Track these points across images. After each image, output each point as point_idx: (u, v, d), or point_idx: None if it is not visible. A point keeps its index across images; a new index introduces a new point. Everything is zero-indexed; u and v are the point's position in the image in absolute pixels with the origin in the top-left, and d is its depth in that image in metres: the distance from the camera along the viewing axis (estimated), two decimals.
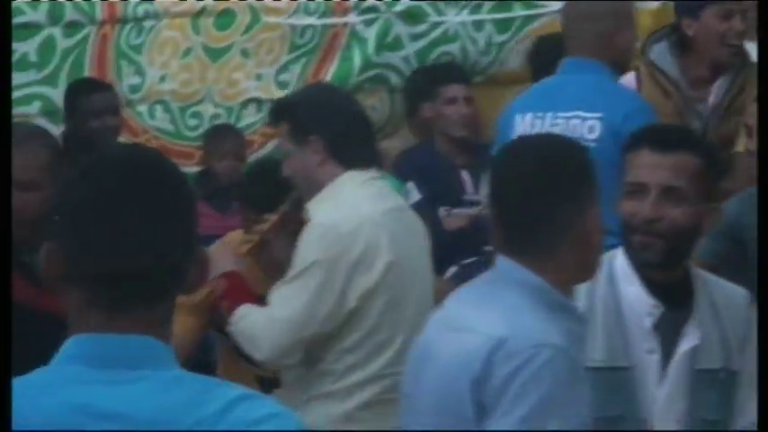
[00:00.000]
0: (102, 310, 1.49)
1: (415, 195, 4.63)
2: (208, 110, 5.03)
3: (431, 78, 5.01)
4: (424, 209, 4.14)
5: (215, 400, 1.46)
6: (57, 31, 4.78)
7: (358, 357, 2.99)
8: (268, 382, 3.31)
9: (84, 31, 4.82)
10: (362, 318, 2.91)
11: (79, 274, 1.50)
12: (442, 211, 4.69)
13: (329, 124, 2.96)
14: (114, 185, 1.50)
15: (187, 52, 4.95)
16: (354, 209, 2.92)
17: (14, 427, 1.44)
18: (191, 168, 4.65)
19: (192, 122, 5.03)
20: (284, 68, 5.03)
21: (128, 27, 4.89)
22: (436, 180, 4.78)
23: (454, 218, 4.52)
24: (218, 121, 5.01)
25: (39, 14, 4.69)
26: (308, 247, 2.93)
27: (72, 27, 4.79)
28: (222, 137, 4.86)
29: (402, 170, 4.78)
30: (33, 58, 4.70)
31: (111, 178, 1.51)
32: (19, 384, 1.50)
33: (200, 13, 4.90)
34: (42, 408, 1.45)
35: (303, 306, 2.92)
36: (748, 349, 2.48)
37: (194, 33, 4.96)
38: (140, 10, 4.88)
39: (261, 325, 2.97)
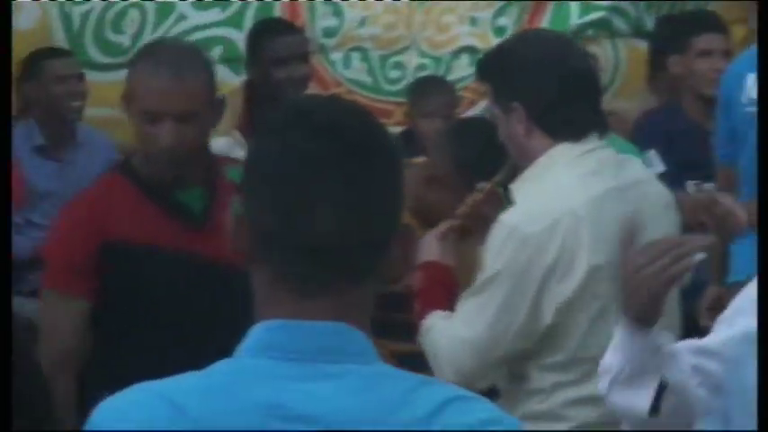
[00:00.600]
0: (294, 291, 1.35)
1: (658, 167, 4.17)
2: (412, 60, 4.69)
3: (681, 27, 4.60)
4: (669, 183, 3.50)
5: (424, 401, 1.33)
6: None
7: (568, 376, 2.62)
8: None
9: None
10: (565, 333, 2.53)
11: (270, 249, 1.35)
12: (690, 185, 4.20)
13: (534, 89, 2.57)
14: (314, 147, 1.34)
15: None
16: (551, 200, 2.52)
17: (179, 425, 1.30)
18: (390, 128, 3.75)
19: (394, 74, 4.70)
20: (501, 11, 4.63)
21: None
22: (684, 148, 4.35)
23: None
24: (424, 73, 4.65)
25: None
26: (494, 252, 2.56)
27: None
28: (429, 92, 4.47)
29: (642, 136, 4.34)
30: None
31: (309, 138, 1.35)
32: (200, 380, 1.35)
33: None
34: (229, 410, 1.31)
35: (488, 325, 2.55)
36: None
37: None
38: None
39: (443, 345, 2.59)
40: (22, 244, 3.97)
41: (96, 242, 2.56)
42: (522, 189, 2.58)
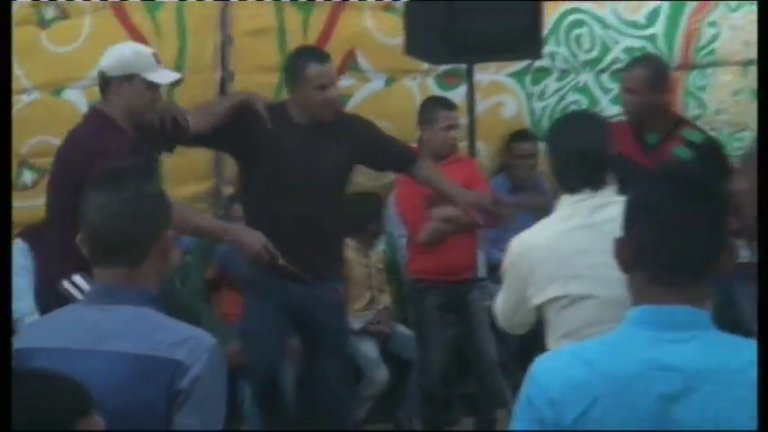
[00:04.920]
0: (661, 288, 1.92)
1: None
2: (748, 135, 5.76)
3: None
4: None
5: (748, 354, 1.88)
6: None
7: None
8: None
9: None
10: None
11: (648, 260, 1.95)
12: None
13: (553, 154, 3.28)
14: (681, 196, 1.94)
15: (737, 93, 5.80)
16: (531, 232, 3.09)
17: (589, 376, 1.87)
18: None
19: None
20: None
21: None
22: None
23: None
24: None
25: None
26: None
27: None
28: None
29: None
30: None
31: (678, 191, 1.96)
32: (601, 344, 1.95)
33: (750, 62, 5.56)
34: (619, 361, 1.89)
35: (499, 304, 3.19)
36: None
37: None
38: None
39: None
40: None
41: None
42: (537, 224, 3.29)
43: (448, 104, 4.91)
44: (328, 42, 5.34)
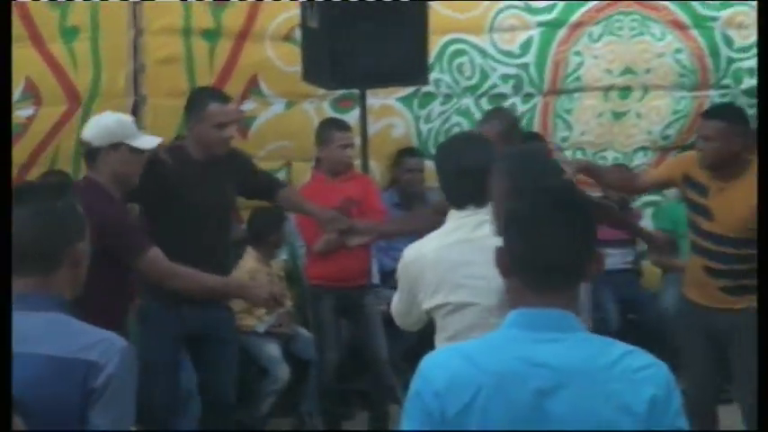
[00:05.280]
0: (535, 293, 2.04)
1: None
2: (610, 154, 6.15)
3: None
4: None
5: (611, 353, 2.02)
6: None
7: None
8: None
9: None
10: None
11: (522, 267, 2.06)
12: None
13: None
14: (548, 207, 2.08)
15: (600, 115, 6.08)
16: (420, 244, 3.20)
17: (472, 372, 2.00)
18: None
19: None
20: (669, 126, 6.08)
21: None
22: None
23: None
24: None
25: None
26: None
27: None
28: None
29: None
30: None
31: (545, 202, 2.09)
32: (475, 346, 2.07)
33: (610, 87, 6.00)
34: (498, 358, 2.01)
35: (393, 305, 3.33)
36: None
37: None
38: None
39: None
40: None
41: None
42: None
43: (343, 126, 5.05)
44: (233, 70, 5.45)
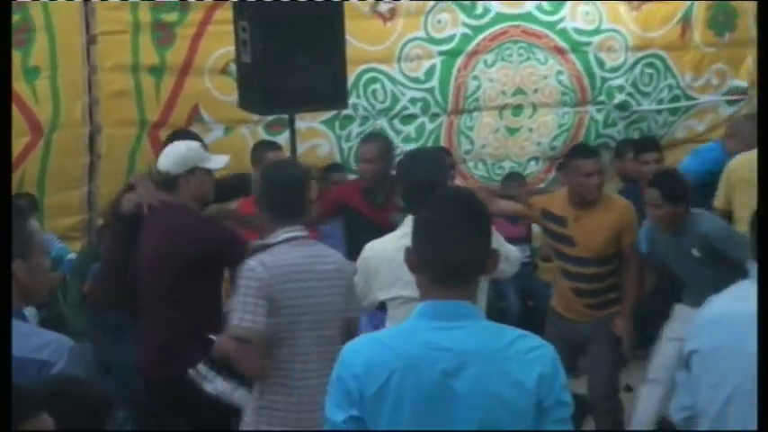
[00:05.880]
0: (439, 287, 2.13)
1: None
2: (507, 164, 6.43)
3: None
4: None
5: (505, 337, 2.13)
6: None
7: None
8: None
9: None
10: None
11: (427, 265, 2.14)
12: None
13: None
14: (451, 212, 2.16)
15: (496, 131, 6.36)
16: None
17: (386, 356, 2.11)
18: None
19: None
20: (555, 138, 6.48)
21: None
22: None
23: None
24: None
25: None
26: None
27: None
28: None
29: None
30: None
31: (448, 208, 2.18)
32: (395, 330, 2.22)
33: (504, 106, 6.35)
34: (408, 344, 2.11)
35: None
36: None
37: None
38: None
39: None
40: None
41: None
42: None
43: (274, 146, 5.28)
44: (177, 101, 5.71)
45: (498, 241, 3.52)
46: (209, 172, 4.03)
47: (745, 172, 4.81)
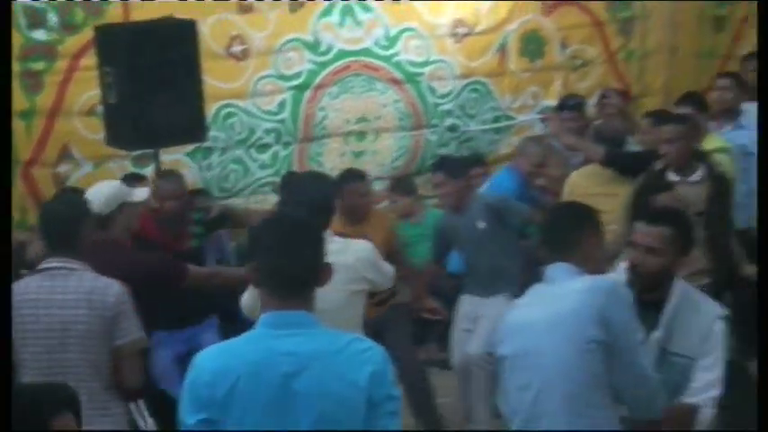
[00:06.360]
0: (277, 299, 2.24)
1: None
2: None
3: None
4: None
5: (340, 341, 2.25)
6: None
7: None
8: None
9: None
10: None
11: (265, 279, 2.25)
12: None
13: None
14: (286, 230, 2.28)
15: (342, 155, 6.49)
16: None
17: (233, 363, 2.21)
18: None
19: None
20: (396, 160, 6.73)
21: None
22: None
23: None
24: None
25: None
26: None
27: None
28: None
29: None
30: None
31: (283, 227, 2.31)
32: (244, 337, 2.27)
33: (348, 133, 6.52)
34: (252, 351, 2.21)
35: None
36: (706, 346, 3.09)
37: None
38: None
39: None
40: None
41: None
42: None
43: (141, 178, 5.45)
44: (47, 141, 5.82)
45: (377, 258, 3.77)
46: (135, 205, 4.19)
47: (587, 185, 5.13)
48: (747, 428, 2.95)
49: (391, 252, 4.82)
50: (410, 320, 5.07)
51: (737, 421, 3.29)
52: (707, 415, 2.97)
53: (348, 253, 3.63)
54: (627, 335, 2.75)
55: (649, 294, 3.10)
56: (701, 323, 3.05)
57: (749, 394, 3.26)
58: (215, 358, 2.24)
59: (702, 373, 3.01)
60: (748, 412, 2.97)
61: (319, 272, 2.27)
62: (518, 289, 4.64)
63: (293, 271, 2.24)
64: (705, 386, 3.01)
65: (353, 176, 5.14)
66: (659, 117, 5.22)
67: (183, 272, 4.03)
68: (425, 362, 5.56)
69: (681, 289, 3.13)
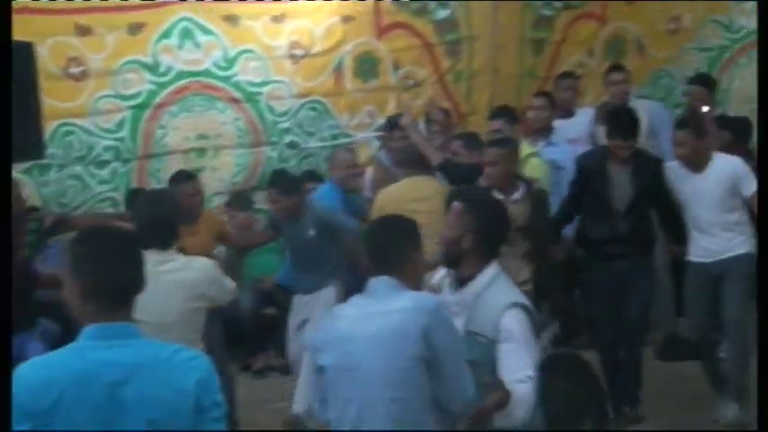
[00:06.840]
0: (102, 312, 2.28)
1: None
2: None
3: None
4: None
5: (166, 351, 2.31)
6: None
7: None
8: None
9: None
10: None
11: (89, 293, 2.29)
12: None
13: None
14: (110, 246, 2.33)
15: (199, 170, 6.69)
16: None
17: (56, 375, 2.23)
18: None
19: None
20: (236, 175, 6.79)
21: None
22: None
23: None
24: None
25: None
26: None
27: None
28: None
29: None
30: None
31: (108, 242, 2.36)
32: (67, 350, 2.28)
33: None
34: (77, 362, 2.24)
35: None
36: (502, 333, 3.16)
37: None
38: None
39: None
40: None
41: None
42: None
43: None
44: None
45: (219, 275, 3.93)
46: None
47: (399, 203, 5.36)
48: (582, 415, 3.19)
49: (225, 239, 5.67)
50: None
51: (573, 408, 3.57)
52: (524, 390, 3.06)
53: (189, 270, 3.77)
54: (449, 352, 2.89)
55: (461, 271, 3.27)
56: (494, 308, 3.16)
57: (584, 382, 3.75)
58: (39, 370, 2.27)
59: (508, 358, 3.12)
60: (584, 400, 3.38)
61: (141, 283, 2.34)
62: (342, 284, 5.37)
63: (117, 283, 2.30)
64: (514, 368, 3.11)
65: (183, 177, 5.52)
66: (469, 139, 5.79)
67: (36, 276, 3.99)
68: (266, 368, 6.00)
69: (493, 273, 3.24)
